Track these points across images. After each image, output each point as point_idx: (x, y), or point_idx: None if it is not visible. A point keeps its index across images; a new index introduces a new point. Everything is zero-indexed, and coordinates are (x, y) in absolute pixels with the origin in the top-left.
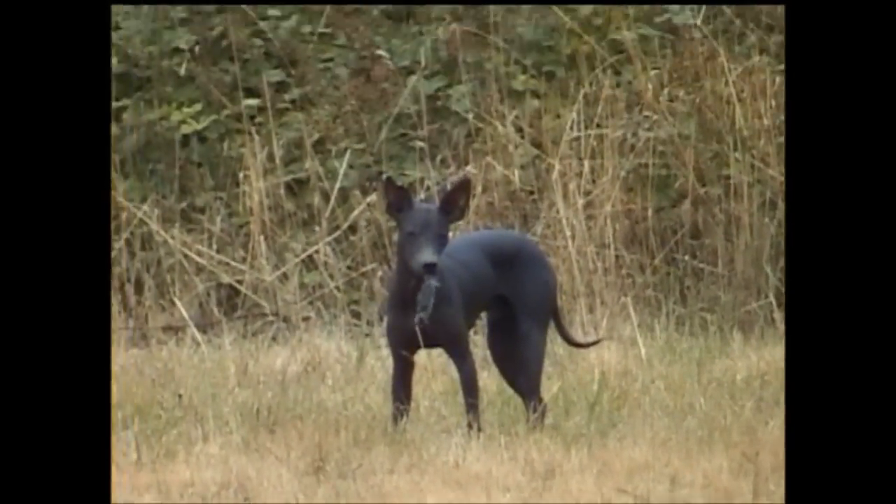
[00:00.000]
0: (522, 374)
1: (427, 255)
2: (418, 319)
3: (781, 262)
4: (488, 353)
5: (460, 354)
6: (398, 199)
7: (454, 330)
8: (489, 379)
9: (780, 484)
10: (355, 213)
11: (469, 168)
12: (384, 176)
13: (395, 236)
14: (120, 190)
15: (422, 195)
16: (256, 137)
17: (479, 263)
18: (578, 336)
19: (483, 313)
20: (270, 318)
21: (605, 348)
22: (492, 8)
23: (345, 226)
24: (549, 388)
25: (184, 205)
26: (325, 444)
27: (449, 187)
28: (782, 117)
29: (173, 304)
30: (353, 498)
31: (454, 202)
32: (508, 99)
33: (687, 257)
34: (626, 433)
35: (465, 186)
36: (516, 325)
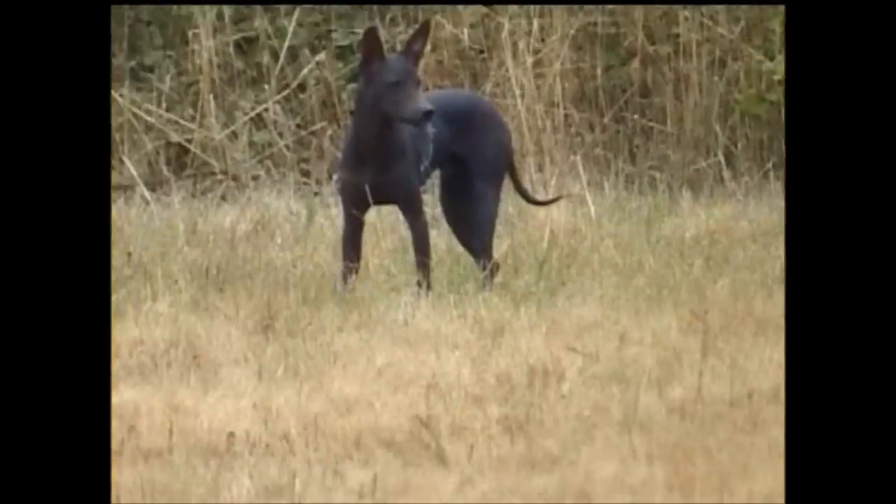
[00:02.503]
0: (475, 234)
1: (424, 102)
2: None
3: (730, 121)
4: (438, 211)
5: (413, 212)
6: (375, 51)
7: (408, 187)
8: (438, 237)
9: (728, 342)
10: (304, 71)
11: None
12: (368, 26)
13: (358, 88)
14: None
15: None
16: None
17: (432, 123)
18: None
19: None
20: (220, 176)
21: (555, 207)
22: None
23: (294, 84)
24: (499, 246)
25: (133, 63)
26: (274, 302)
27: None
28: None
29: (122, 162)
30: (301, 356)
31: (414, 48)
32: None
33: (636, 116)
34: (575, 291)
35: (424, 31)
36: (471, 185)
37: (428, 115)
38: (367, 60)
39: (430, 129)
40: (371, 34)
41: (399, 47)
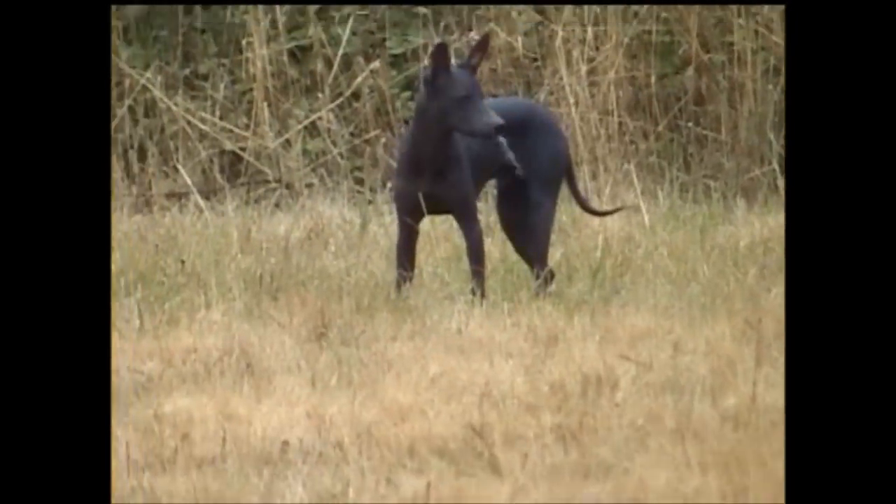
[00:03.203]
0: (531, 242)
1: (494, 116)
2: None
3: (785, 129)
4: (492, 219)
5: (468, 220)
6: (442, 65)
7: (463, 195)
8: (492, 246)
9: (783, 351)
10: (358, 79)
11: (472, 34)
12: (438, 41)
13: (419, 100)
14: (123, 57)
15: (425, 62)
16: (259, 4)
17: None
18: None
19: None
20: (273, 184)
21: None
22: None
23: (348, 92)
24: (553, 255)
25: (187, 71)
26: (327, 310)
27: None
28: None
29: (177, 170)
30: (355, 364)
31: (472, 61)
32: None
33: (690, 124)
34: (628, 300)
35: (484, 45)
36: (527, 193)
37: (500, 129)
38: (435, 74)
39: (502, 139)
40: (442, 49)
41: (454, 55)
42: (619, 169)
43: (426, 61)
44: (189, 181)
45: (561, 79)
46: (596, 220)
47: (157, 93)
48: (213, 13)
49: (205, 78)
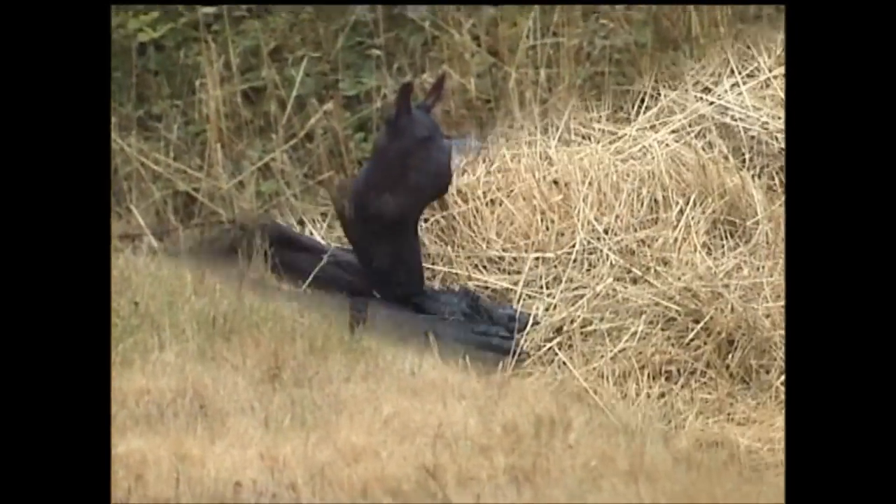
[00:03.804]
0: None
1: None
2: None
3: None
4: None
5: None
6: (405, 105)
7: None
8: None
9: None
10: (312, 121)
11: (425, 76)
12: (406, 81)
13: (379, 141)
14: None
15: (378, 104)
16: (213, 46)
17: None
18: None
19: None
20: (227, 225)
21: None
22: None
23: (301, 134)
24: None
25: (140, 113)
26: (281, 352)
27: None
28: (739, 25)
29: (130, 211)
30: (308, 406)
31: (428, 102)
32: (465, 7)
33: None
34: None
35: (440, 85)
36: None
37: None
38: (398, 114)
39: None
40: (408, 89)
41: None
42: None
43: (380, 102)
44: (142, 222)
45: (514, 121)
46: None
47: (111, 133)
48: (166, 54)
49: (158, 119)
